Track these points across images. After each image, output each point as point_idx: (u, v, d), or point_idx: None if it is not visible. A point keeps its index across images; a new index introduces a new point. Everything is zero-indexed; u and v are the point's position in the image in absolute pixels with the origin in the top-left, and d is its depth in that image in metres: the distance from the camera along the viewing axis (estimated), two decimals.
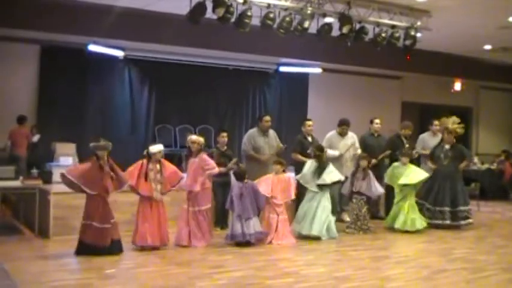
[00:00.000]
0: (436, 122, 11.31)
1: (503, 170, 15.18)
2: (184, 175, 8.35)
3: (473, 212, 10.65)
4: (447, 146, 10.45)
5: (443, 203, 10.18)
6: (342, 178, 9.59)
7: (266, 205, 8.79)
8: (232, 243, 8.35)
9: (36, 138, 12.00)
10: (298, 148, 10.25)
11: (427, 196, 10.30)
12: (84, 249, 7.47)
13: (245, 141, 10.13)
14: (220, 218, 9.33)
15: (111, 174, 7.65)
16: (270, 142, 10.08)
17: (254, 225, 8.40)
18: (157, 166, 8.07)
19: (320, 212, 9.08)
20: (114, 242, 7.59)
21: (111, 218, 7.62)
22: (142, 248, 7.83)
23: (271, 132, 10.22)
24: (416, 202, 10.13)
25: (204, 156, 8.52)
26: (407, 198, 9.88)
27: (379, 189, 9.85)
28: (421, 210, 10.15)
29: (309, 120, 10.72)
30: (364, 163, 9.81)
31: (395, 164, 10.24)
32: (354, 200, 9.69)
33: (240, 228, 8.33)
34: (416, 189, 10.11)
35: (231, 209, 8.53)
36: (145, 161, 8.05)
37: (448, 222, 10.11)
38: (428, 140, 11.38)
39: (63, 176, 7.61)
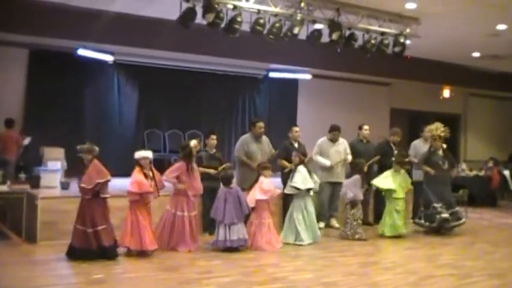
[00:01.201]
0: (427, 129, 11.35)
1: (491, 177, 15.25)
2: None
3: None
4: (440, 153, 10.51)
5: (451, 206, 10.30)
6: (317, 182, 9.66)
7: (259, 210, 8.82)
8: (219, 249, 8.37)
9: (27, 141, 11.89)
10: (283, 154, 10.22)
11: (430, 201, 10.29)
12: (74, 252, 7.47)
13: (238, 146, 10.11)
14: (209, 224, 9.30)
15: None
16: (262, 148, 10.06)
17: (238, 232, 8.42)
18: (150, 174, 8.13)
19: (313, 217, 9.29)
20: (105, 248, 7.59)
21: (102, 223, 7.62)
22: (129, 253, 7.85)
23: (264, 138, 10.20)
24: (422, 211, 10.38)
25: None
26: (393, 205, 9.94)
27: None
28: (430, 216, 10.28)
29: (296, 126, 10.72)
30: (365, 168, 10.01)
31: (388, 172, 10.23)
32: (359, 206, 9.78)
33: (223, 235, 8.38)
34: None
35: (215, 215, 8.54)
36: (139, 168, 8.09)
37: (457, 222, 10.28)
38: (420, 147, 11.41)
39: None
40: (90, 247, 7.47)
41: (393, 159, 10.46)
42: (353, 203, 9.75)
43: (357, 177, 9.86)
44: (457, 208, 10.45)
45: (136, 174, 8.01)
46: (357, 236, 9.59)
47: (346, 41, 11.12)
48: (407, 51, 12.03)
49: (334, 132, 10.74)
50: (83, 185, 7.56)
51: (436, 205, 10.21)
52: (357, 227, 9.67)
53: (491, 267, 7.98)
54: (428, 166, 10.45)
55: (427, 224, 10.31)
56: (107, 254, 7.57)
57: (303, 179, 9.25)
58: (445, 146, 10.76)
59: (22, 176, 9.77)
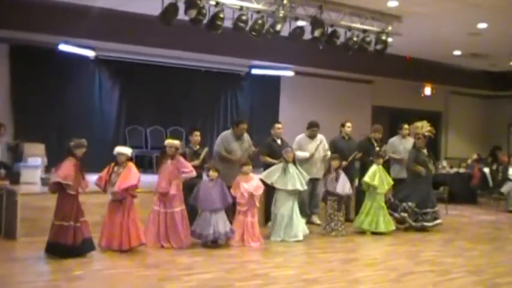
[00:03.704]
0: (405, 126, 11.42)
1: (472, 174, 15.36)
2: (133, 182, 8.12)
3: (441, 214, 10.81)
4: (425, 151, 10.58)
5: (427, 205, 10.35)
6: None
7: (239, 206, 8.82)
8: (201, 245, 8.39)
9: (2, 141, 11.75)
10: (266, 150, 10.25)
11: (414, 198, 10.33)
12: (56, 249, 7.40)
13: (218, 142, 10.10)
14: (190, 220, 9.26)
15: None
16: (242, 146, 10.05)
17: (224, 223, 8.44)
18: (121, 170, 8.04)
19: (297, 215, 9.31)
20: (85, 241, 7.53)
21: (82, 216, 7.57)
22: (109, 249, 7.81)
23: (245, 135, 10.19)
24: (397, 204, 10.39)
25: (181, 158, 8.57)
26: (375, 200, 9.99)
27: (347, 190, 9.91)
28: (402, 211, 10.34)
29: (279, 123, 10.74)
30: (335, 163, 9.89)
31: (375, 166, 10.26)
32: (328, 202, 9.76)
33: (201, 226, 8.41)
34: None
35: (196, 202, 8.52)
36: (113, 163, 8.05)
37: (429, 224, 10.30)
38: (398, 144, 11.51)
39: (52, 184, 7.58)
40: (75, 242, 7.41)
41: (375, 153, 10.49)
42: (324, 199, 9.85)
43: (331, 173, 9.90)
44: (436, 208, 10.52)
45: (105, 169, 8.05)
46: (322, 232, 9.70)
47: (329, 38, 11.14)
48: (390, 49, 12.11)
49: (312, 128, 10.77)
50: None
51: (411, 204, 10.31)
52: (327, 221, 9.72)
53: (470, 263, 8.06)
54: (421, 165, 10.44)
55: (404, 215, 10.38)
56: (88, 246, 7.53)
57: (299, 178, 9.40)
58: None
59: (1, 172, 9.66)
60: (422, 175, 10.37)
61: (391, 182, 10.28)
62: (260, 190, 8.97)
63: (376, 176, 10.08)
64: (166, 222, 8.33)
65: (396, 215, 10.35)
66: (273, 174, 9.36)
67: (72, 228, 7.40)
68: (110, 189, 7.95)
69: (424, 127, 10.59)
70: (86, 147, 7.66)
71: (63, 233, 7.38)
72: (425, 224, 10.29)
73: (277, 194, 9.36)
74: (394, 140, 11.72)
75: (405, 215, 10.29)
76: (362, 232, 9.97)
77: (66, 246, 7.35)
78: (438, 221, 10.46)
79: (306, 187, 9.54)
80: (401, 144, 11.36)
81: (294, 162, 9.51)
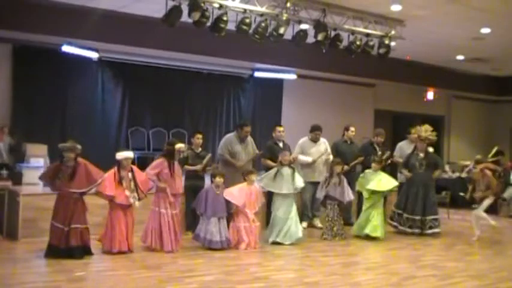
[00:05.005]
0: (413, 131, 11.38)
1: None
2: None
3: (442, 220, 10.79)
4: (421, 155, 10.57)
5: (414, 211, 10.30)
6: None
7: (239, 214, 8.77)
8: (199, 242, 8.41)
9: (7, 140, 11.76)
10: (268, 154, 10.24)
11: (401, 203, 10.46)
12: (50, 250, 7.44)
13: (222, 145, 10.08)
14: (191, 223, 9.26)
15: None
16: (246, 148, 10.04)
17: (220, 232, 8.43)
18: (129, 175, 8.03)
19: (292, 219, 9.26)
20: (76, 247, 7.53)
21: (78, 222, 7.56)
22: (110, 252, 7.80)
23: (249, 138, 10.18)
24: (393, 211, 10.51)
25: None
26: (375, 206, 9.96)
27: (350, 196, 9.88)
28: (392, 218, 10.43)
29: (280, 126, 10.74)
30: (338, 168, 9.85)
31: (367, 170, 10.31)
32: (329, 206, 9.73)
33: (204, 231, 8.40)
34: (384, 197, 10.29)
35: (202, 209, 8.49)
36: (116, 169, 8.00)
37: (416, 230, 10.23)
38: (406, 149, 11.42)
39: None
40: (68, 245, 7.40)
41: (374, 158, 10.49)
42: (323, 203, 9.85)
43: (333, 178, 9.87)
44: (432, 216, 10.39)
45: (109, 174, 7.93)
46: (324, 236, 9.67)
47: (332, 41, 11.16)
48: (393, 52, 12.11)
49: (315, 132, 10.78)
50: (82, 190, 7.56)
51: (394, 210, 10.50)
52: (329, 226, 9.69)
53: (472, 268, 8.06)
54: (406, 169, 10.59)
55: (396, 224, 10.44)
56: (77, 253, 7.47)
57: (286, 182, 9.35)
58: (431, 149, 10.86)
59: (4, 172, 9.67)
60: (407, 178, 10.51)
61: (389, 186, 10.22)
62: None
63: (359, 180, 10.22)
64: (170, 224, 8.27)
65: (390, 221, 10.47)
66: (265, 178, 9.40)
67: (60, 230, 7.41)
68: (130, 195, 7.94)
69: (427, 130, 10.59)
70: (72, 151, 7.57)
71: (53, 233, 7.44)
72: (410, 230, 10.28)
73: (274, 196, 9.38)
74: (402, 144, 11.67)
75: (396, 223, 10.45)
76: (360, 236, 9.93)
77: (56, 248, 7.38)
78: (436, 230, 10.41)
79: (292, 190, 9.43)
80: (410, 149, 11.29)
81: (290, 166, 9.49)
